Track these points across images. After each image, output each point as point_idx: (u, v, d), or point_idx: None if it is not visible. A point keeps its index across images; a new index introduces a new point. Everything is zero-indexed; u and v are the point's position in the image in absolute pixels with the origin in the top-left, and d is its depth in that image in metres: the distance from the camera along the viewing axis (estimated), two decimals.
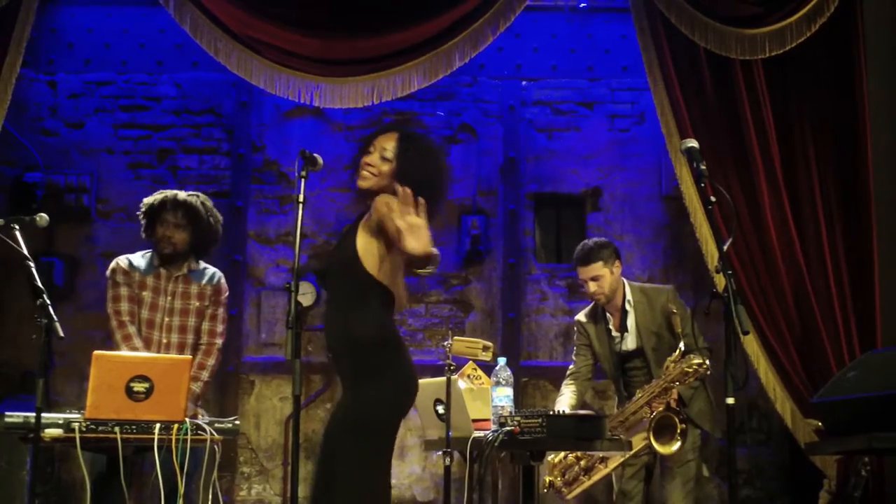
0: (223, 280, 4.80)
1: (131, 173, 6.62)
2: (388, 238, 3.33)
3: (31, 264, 3.73)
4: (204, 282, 4.71)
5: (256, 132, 6.71)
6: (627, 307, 4.84)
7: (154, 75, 6.71)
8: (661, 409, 4.47)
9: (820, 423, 4.73)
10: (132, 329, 4.51)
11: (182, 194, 4.70)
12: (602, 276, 4.79)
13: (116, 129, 6.68)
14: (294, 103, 5.99)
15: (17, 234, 3.83)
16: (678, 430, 4.40)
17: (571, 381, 4.95)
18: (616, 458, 4.56)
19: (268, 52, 5.53)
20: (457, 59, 5.56)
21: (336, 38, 5.56)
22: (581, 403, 4.94)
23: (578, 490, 4.68)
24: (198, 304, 4.67)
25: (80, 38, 6.67)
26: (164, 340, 4.58)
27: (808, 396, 5.23)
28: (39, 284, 3.65)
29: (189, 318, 4.65)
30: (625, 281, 4.92)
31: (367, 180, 3.46)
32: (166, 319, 4.60)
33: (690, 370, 4.43)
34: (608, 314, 4.92)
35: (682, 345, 4.51)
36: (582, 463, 4.62)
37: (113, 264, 4.67)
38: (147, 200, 4.74)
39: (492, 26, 5.55)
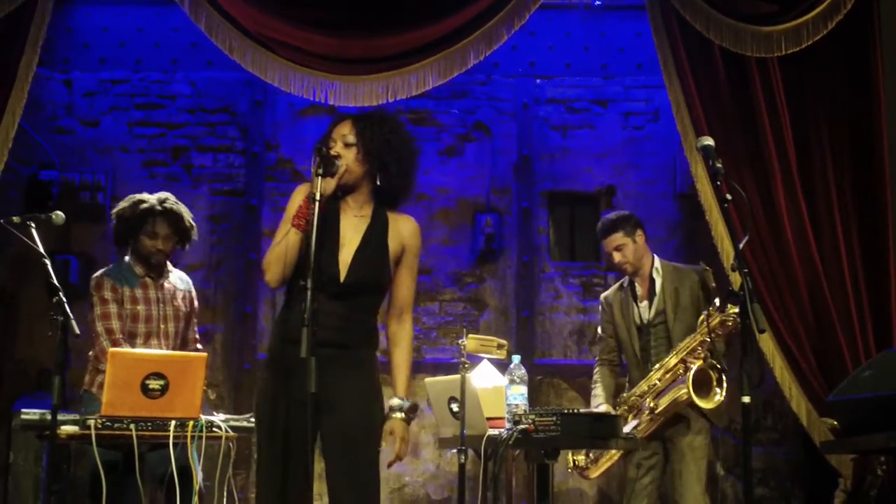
0: (192, 285, 4.80)
1: (146, 171, 6.64)
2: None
3: (48, 262, 3.74)
4: (183, 286, 4.68)
5: (270, 130, 6.71)
6: (655, 275, 4.86)
7: (169, 74, 6.72)
8: (699, 363, 4.51)
9: (835, 422, 4.72)
10: (126, 347, 4.38)
11: (160, 202, 4.53)
12: (624, 245, 4.83)
13: (131, 128, 6.69)
14: (308, 102, 6.00)
15: (34, 231, 3.85)
16: (715, 382, 4.48)
17: (598, 373, 4.95)
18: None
19: (282, 51, 5.54)
20: (471, 58, 5.56)
21: (351, 37, 5.56)
22: (611, 396, 4.90)
23: (599, 471, 4.79)
24: (184, 308, 4.64)
25: (95, 37, 6.68)
26: (164, 348, 4.49)
27: (824, 395, 5.21)
28: (55, 282, 3.66)
29: (179, 322, 4.60)
30: (654, 255, 4.94)
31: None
32: (162, 327, 4.53)
33: (730, 321, 4.45)
34: (636, 284, 4.92)
35: (717, 300, 4.53)
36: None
37: (97, 280, 4.53)
38: (121, 211, 4.55)
39: (506, 25, 5.55)
